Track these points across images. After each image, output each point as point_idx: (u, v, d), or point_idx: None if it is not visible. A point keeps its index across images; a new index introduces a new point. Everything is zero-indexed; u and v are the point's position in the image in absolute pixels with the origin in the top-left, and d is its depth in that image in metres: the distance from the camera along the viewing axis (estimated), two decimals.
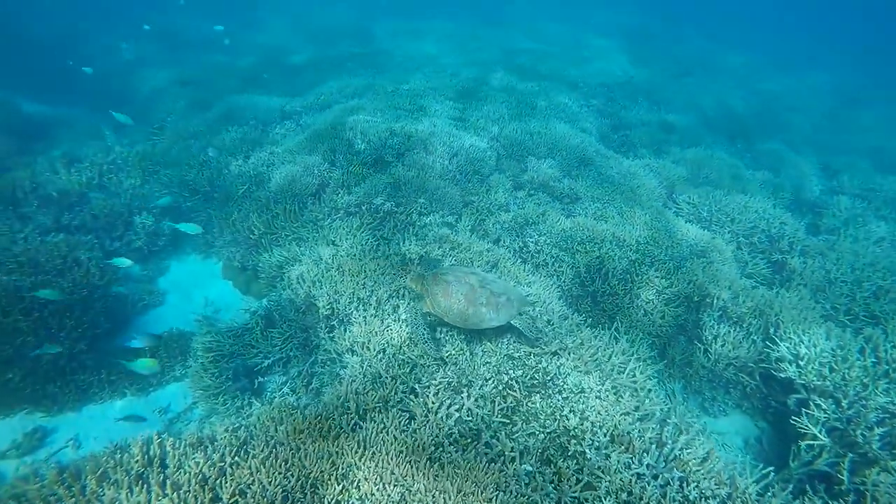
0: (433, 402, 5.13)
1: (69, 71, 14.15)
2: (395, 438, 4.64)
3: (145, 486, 4.27)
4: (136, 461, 4.56)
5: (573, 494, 4.39)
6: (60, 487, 4.25)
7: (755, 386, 6.72)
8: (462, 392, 5.22)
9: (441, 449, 4.66)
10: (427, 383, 5.33)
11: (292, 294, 6.84)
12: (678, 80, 15.91)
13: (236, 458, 4.54)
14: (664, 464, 4.63)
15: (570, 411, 5.03)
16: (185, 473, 4.36)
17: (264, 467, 4.33)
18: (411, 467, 4.37)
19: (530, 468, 4.62)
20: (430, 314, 5.83)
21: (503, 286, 5.73)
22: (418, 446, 4.58)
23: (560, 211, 8.47)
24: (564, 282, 7.27)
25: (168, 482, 4.32)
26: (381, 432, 4.70)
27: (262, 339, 7.08)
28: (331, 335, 6.35)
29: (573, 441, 4.77)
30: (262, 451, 4.57)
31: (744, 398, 6.90)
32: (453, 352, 5.64)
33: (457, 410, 5.05)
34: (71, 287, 7.24)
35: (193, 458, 4.58)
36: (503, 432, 4.85)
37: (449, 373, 5.43)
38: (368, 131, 9.24)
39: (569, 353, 5.76)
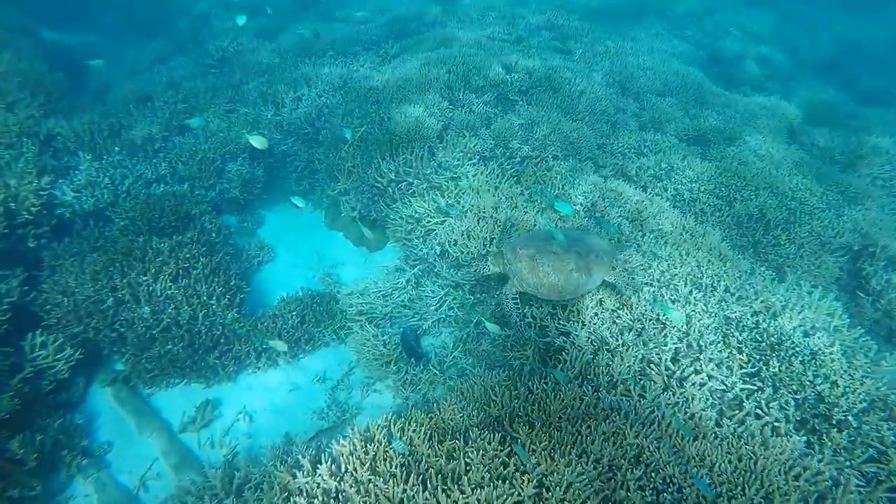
0: (674, 371, 4.88)
1: None
2: (674, 415, 4.37)
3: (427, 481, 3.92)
4: (392, 452, 4.19)
5: (864, 469, 4.25)
6: (337, 480, 3.86)
7: None
8: (699, 359, 4.96)
9: (714, 423, 4.44)
10: (658, 350, 5.04)
11: (456, 251, 6.32)
12: (756, 6, 15.10)
13: (509, 447, 4.19)
14: None
15: (815, 376, 4.82)
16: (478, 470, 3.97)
17: (562, 457, 4.00)
18: (705, 445, 4.13)
19: (801, 439, 4.46)
20: (522, 293, 5.49)
21: (588, 242, 5.37)
22: (700, 420, 4.35)
23: (697, 154, 8.02)
24: (728, 233, 6.96)
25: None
26: (655, 410, 4.43)
27: (418, 298, 6.65)
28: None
29: (835, 409, 4.59)
30: (540, 438, 4.19)
31: None
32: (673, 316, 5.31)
33: (701, 379, 4.81)
34: (192, 245, 6.56)
35: (463, 449, 4.20)
36: (762, 401, 4.63)
37: (675, 338, 5.14)
38: (482, 67, 8.43)
39: (777, 312, 5.51)
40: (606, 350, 5.07)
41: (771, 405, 4.63)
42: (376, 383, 6.26)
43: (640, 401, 4.58)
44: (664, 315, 4.85)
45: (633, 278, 5.72)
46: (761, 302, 5.64)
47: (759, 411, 4.58)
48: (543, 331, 5.57)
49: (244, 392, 6.09)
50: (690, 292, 5.72)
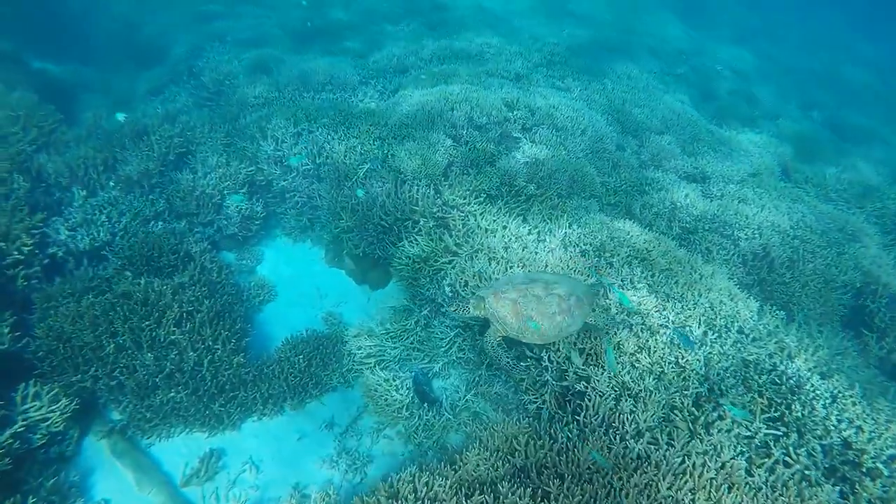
0: (699, 416, 4.81)
1: (79, 21, 12.25)
2: (704, 465, 4.28)
3: None
4: None
5: None
6: None
7: None
8: (721, 404, 4.90)
9: (745, 471, 4.36)
10: (680, 395, 4.97)
11: (467, 292, 6.21)
12: (739, 44, 15.64)
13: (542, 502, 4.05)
14: None
15: (839, 420, 4.80)
16: None
17: None
18: (740, 496, 4.04)
19: (835, 489, 4.39)
20: (504, 337, 5.46)
21: (568, 284, 5.37)
22: (732, 469, 4.26)
23: (698, 192, 8.12)
24: (734, 271, 7.00)
25: None
26: (685, 460, 4.33)
27: (427, 339, 6.51)
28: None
29: (864, 456, 4.56)
30: (573, 492, 4.07)
31: None
32: (690, 358, 5.27)
33: (727, 425, 4.75)
34: (196, 287, 6.34)
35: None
36: (789, 446, 4.58)
37: (696, 382, 5.09)
38: (484, 104, 8.47)
39: (794, 355, 5.52)
40: (629, 395, 4.98)
41: (799, 452, 4.57)
42: (386, 429, 6.05)
43: (668, 449, 4.48)
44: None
45: (648, 319, 5.71)
46: (775, 343, 5.66)
47: (787, 458, 4.52)
48: (562, 374, 5.46)
49: (249, 440, 5.82)
50: (705, 333, 5.70)
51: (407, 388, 5.97)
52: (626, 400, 4.91)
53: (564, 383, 5.42)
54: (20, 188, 6.86)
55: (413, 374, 6.10)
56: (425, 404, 5.88)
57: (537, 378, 5.60)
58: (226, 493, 5.31)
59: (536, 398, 5.58)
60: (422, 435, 5.79)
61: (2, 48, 10.38)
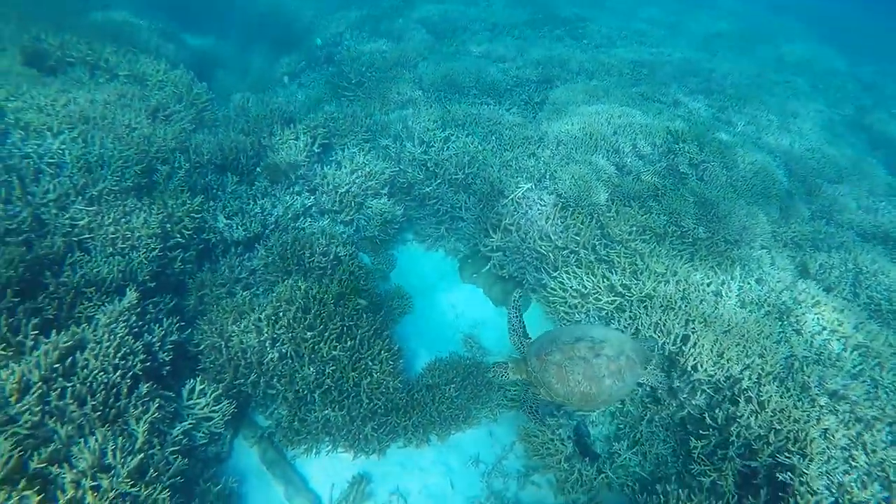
0: None
1: None
2: None
3: None
4: None
5: None
6: None
7: None
8: None
9: None
10: None
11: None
12: None
13: None
14: None
15: None
16: None
17: None
18: None
19: None
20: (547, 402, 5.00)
21: (616, 341, 4.73)
22: None
23: (885, 256, 7.29)
24: None
25: None
26: None
27: None
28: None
29: None
30: None
31: None
32: None
33: None
34: (351, 296, 6.06)
35: None
36: None
37: None
38: (648, 132, 7.88)
39: None
40: (850, 502, 4.37)
41: None
42: (534, 474, 5.66)
43: None
44: None
45: (858, 409, 5.05)
46: None
47: None
48: (751, 453, 4.88)
49: (395, 469, 5.53)
50: None
51: (569, 438, 5.53)
52: None
53: (754, 464, 4.85)
54: (181, 168, 6.78)
55: (576, 423, 5.66)
56: (586, 458, 5.43)
57: (716, 448, 5.07)
58: None
59: (712, 472, 5.02)
60: (577, 490, 5.36)
61: (160, 26, 10.48)
